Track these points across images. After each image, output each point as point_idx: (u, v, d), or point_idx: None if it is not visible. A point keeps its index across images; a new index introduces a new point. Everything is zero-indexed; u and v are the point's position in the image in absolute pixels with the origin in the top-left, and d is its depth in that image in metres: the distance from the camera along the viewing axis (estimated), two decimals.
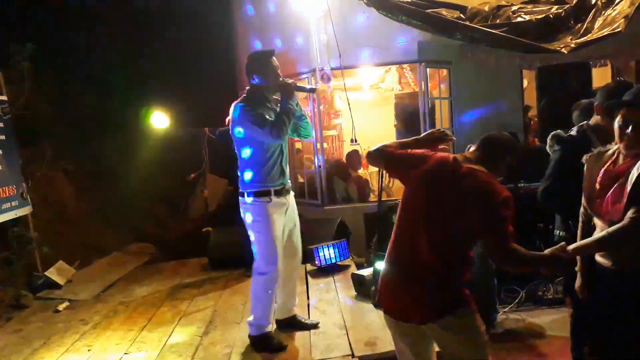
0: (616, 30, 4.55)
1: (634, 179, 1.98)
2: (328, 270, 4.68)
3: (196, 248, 5.69)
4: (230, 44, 7.78)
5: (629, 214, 1.95)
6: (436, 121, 6.05)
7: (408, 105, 6.00)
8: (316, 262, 4.63)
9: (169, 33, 8.05)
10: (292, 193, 3.27)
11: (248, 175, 3.10)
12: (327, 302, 3.93)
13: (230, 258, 5.02)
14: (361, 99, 8.15)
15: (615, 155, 2.16)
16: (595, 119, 2.70)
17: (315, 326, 3.41)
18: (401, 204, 2.12)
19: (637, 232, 1.94)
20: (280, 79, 3.09)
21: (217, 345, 3.34)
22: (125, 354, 3.38)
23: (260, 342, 3.15)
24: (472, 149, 2.13)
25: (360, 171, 6.76)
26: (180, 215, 6.90)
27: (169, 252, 6.11)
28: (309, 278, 4.57)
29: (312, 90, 3.65)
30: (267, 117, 2.99)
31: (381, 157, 2.23)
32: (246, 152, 3.09)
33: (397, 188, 6.94)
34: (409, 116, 5.94)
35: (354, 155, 6.50)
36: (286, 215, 3.20)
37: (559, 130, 3.01)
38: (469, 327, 1.98)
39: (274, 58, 3.11)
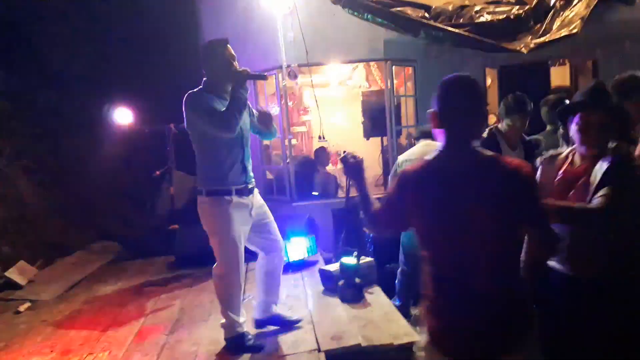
0: (573, 32, 4.74)
1: (597, 179, 2.03)
2: (297, 266, 4.71)
3: (162, 246, 5.62)
4: (196, 38, 7.68)
5: (602, 191, 1.99)
6: (402, 118, 6.16)
7: (375, 102, 6.07)
8: (284, 258, 4.64)
9: (132, 26, 7.88)
10: (256, 191, 3.17)
11: (206, 172, 2.97)
12: (294, 297, 3.96)
13: (197, 256, 4.97)
14: (329, 96, 8.21)
15: (571, 157, 2.22)
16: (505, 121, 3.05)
17: (297, 322, 3.34)
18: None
19: (608, 210, 1.97)
20: (233, 69, 2.94)
21: (184, 344, 3.32)
22: (89, 354, 3.32)
23: (235, 344, 3.08)
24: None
25: (329, 167, 6.81)
26: (146, 213, 6.79)
27: (134, 251, 6.01)
28: None
29: (263, 77, 3.59)
30: (216, 108, 2.85)
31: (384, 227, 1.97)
32: (202, 148, 2.97)
33: (368, 184, 7.01)
34: (375, 113, 6.01)
35: (322, 151, 6.55)
36: (251, 216, 3.08)
37: None
38: None
39: (229, 47, 2.97)
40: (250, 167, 3.10)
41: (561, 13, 5.07)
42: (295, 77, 5.73)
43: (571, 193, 2.12)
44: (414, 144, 4.30)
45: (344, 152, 2.10)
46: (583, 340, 2.11)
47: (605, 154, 2.09)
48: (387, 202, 1.89)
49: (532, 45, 4.81)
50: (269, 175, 6.50)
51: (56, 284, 4.90)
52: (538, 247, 1.76)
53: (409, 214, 1.79)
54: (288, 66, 5.67)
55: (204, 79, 3.03)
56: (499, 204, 1.62)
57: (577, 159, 2.19)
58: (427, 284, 1.77)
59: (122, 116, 6.50)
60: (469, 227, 1.64)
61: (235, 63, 2.99)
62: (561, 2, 5.13)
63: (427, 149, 4.11)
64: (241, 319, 3.11)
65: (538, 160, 2.34)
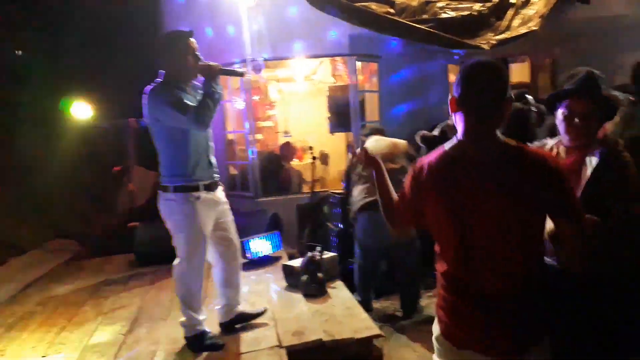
0: (532, 29, 4.83)
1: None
2: (260, 262, 4.66)
3: (122, 244, 5.45)
4: (157, 31, 7.50)
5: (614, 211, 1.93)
6: (366, 114, 6.17)
7: (340, 97, 6.06)
8: (247, 255, 4.58)
9: (91, 19, 7.63)
10: (220, 187, 3.10)
11: (172, 168, 2.87)
12: (256, 293, 3.90)
13: (158, 253, 4.82)
14: (295, 91, 8.16)
15: (556, 149, 2.14)
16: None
17: (262, 313, 3.31)
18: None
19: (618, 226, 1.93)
20: (202, 62, 2.86)
21: (142, 343, 3.22)
22: (43, 357, 3.19)
23: (195, 342, 3.01)
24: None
25: (294, 162, 6.77)
26: (105, 210, 6.60)
27: (93, 249, 5.83)
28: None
29: (241, 74, 3.48)
30: (187, 103, 2.76)
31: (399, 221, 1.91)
32: (168, 144, 2.86)
33: (332, 179, 7.04)
34: (340, 108, 6.00)
35: (287, 146, 6.50)
36: (217, 210, 3.02)
37: (424, 131, 3.22)
38: None
39: (192, 40, 2.86)
40: (215, 162, 3.04)
41: (521, 10, 5.16)
42: (260, 70, 5.65)
43: None
44: (364, 142, 4.30)
45: (351, 146, 2.08)
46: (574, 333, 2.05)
47: (593, 146, 2.03)
48: (402, 196, 1.82)
49: (493, 42, 4.88)
50: (233, 171, 6.41)
51: (9, 285, 4.69)
52: (570, 241, 1.64)
53: (425, 207, 1.71)
54: (253, 60, 5.59)
55: (163, 71, 2.90)
56: (525, 196, 1.54)
57: (562, 151, 2.12)
58: (441, 279, 1.72)
59: (80, 110, 6.29)
60: (491, 221, 1.57)
61: (199, 55, 2.90)
62: (522, 0, 5.22)
63: (378, 144, 4.15)
64: (201, 317, 3.04)
65: None
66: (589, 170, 1.99)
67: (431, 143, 2.76)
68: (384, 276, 4.47)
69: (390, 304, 4.45)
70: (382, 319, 4.12)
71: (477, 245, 1.60)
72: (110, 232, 6.10)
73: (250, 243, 4.62)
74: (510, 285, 1.59)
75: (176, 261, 2.98)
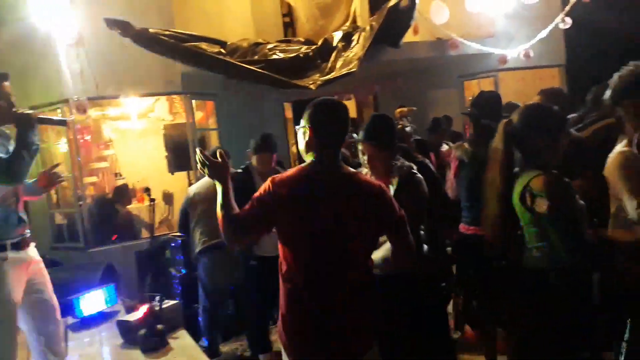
0: (352, 70, 5.29)
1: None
2: (94, 320, 4.24)
3: None
4: None
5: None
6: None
7: (178, 135, 5.92)
8: (77, 314, 4.15)
9: None
10: (32, 244, 2.81)
11: None
12: (88, 357, 3.54)
13: None
14: (131, 129, 7.75)
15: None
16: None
17: None
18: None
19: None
20: (15, 109, 2.60)
21: None
22: None
23: None
24: None
25: (131, 206, 6.39)
26: None
27: None
28: (70, 333, 4.06)
29: (63, 123, 3.22)
30: None
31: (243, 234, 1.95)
32: None
33: (177, 220, 6.74)
34: (179, 147, 5.86)
35: (122, 189, 6.12)
36: (28, 271, 2.71)
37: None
38: None
39: (6, 83, 2.61)
40: (26, 217, 2.75)
41: (343, 53, 5.64)
42: (85, 111, 5.28)
43: None
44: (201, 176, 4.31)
45: (201, 150, 1.98)
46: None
47: (393, 174, 2.52)
48: (250, 208, 1.89)
49: (319, 82, 5.23)
50: (61, 220, 5.83)
51: None
52: (398, 254, 2.00)
53: (272, 220, 1.89)
54: (76, 99, 5.20)
55: None
56: (363, 212, 1.86)
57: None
58: (285, 301, 1.90)
59: None
60: (334, 235, 1.83)
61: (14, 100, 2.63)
62: (342, 44, 5.71)
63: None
64: None
65: None
66: (391, 193, 2.37)
67: (234, 180, 3.12)
68: (230, 317, 4.42)
69: (239, 345, 4.40)
70: None
71: (321, 258, 1.84)
72: None
73: (80, 300, 4.19)
74: (346, 296, 1.86)
75: None
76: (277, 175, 1.94)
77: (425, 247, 2.70)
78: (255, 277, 4.00)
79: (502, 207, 2.26)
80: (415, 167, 2.61)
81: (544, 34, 6.56)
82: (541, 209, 2.11)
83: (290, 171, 1.94)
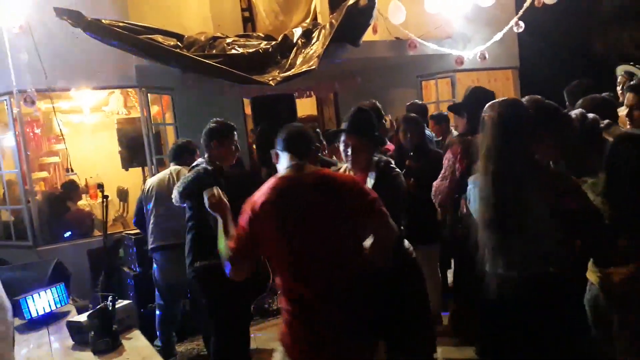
0: (312, 67, 5.27)
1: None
2: (42, 321, 4.08)
3: None
4: None
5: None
6: (163, 147, 5.97)
7: (132, 130, 5.76)
8: (24, 315, 3.98)
9: None
10: None
11: None
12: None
13: None
14: (84, 122, 7.49)
15: (349, 171, 2.69)
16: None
17: None
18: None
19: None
20: None
21: None
22: None
23: None
24: None
25: (82, 202, 6.18)
26: None
27: None
28: (16, 335, 3.89)
29: None
30: None
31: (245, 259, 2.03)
32: None
33: (131, 217, 6.56)
34: (133, 142, 5.70)
35: (71, 185, 5.89)
36: None
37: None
38: None
39: None
40: None
41: (303, 50, 5.61)
42: (33, 103, 5.05)
43: None
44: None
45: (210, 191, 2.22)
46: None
47: (370, 169, 2.59)
48: (241, 233, 2.00)
49: (278, 79, 5.18)
50: (6, 217, 5.56)
51: None
52: (379, 234, 2.03)
53: (258, 241, 1.97)
54: (22, 91, 4.97)
55: None
56: (340, 208, 1.95)
57: (352, 173, 2.65)
58: (286, 305, 1.99)
59: None
60: (315, 234, 1.92)
61: None
62: (302, 40, 5.68)
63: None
64: None
65: None
66: (370, 186, 2.45)
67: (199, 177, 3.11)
68: (186, 316, 4.34)
69: (195, 345, 4.33)
70: None
71: (306, 258, 1.93)
72: None
73: (27, 301, 4.02)
74: (347, 296, 1.94)
75: None
76: (254, 197, 2.03)
77: (406, 242, 2.74)
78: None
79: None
80: (392, 162, 2.70)
81: (498, 36, 6.77)
82: None
83: (263, 186, 2.03)
